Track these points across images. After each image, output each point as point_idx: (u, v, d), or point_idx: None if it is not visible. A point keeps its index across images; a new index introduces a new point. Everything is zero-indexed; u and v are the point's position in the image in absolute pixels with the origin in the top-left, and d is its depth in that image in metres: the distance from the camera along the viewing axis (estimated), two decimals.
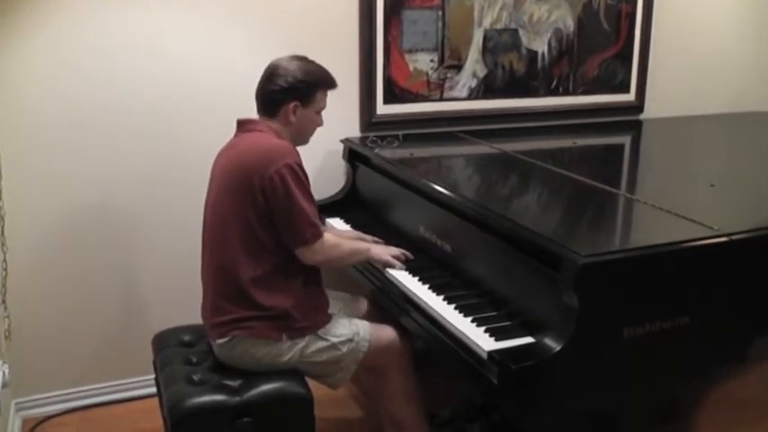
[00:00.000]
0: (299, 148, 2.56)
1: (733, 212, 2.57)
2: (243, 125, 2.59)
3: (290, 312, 2.46)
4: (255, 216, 2.41)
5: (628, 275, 2.07)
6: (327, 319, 2.57)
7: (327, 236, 2.53)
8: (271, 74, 2.54)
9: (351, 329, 2.56)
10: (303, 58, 2.57)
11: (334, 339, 2.52)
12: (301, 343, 2.48)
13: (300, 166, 2.44)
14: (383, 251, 2.70)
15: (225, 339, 2.47)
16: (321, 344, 2.50)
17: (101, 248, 3.22)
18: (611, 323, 2.04)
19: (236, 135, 2.60)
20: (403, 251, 2.71)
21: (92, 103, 3.07)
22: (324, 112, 2.63)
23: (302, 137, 2.63)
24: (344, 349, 2.52)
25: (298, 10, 3.31)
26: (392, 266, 2.66)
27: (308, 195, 2.45)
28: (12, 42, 2.93)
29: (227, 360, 2.50)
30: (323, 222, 3.13)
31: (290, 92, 2.51)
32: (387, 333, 2.62)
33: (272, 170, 2.38)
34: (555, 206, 2.77)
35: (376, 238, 2.85)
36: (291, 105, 2.52)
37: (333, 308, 2.68)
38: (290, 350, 2.47)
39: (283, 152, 2.43)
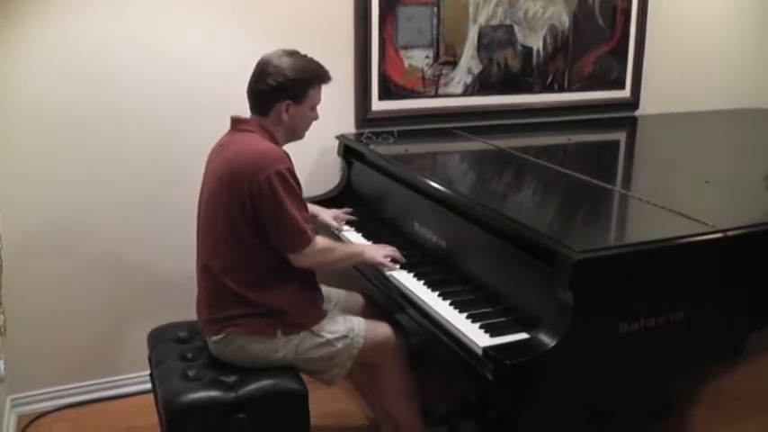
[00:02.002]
0: (293, 144, 2.56)
1: (728, 209, 2.58)
2: (235, 124, 2.55)
3: (284, 309, 2.46)
4: (245, 221, 2.39)
5: (622, 271, 2.07)
6: (322, 315, 2.56)
7: (319, 240, 2.48)
8: (261, 72, 2.48)
9: (346, 326, 2.56)
10: (294, 53, 2.51)
11: (329, 336, 2.51)
12: (296, 339, 2.48)
13: (291, 171, 2.40)
14: (377, 253, 2.67)
15: (219, 336, 2.47)
16: (316, 340, 2.50)
17: (95, 245, 3.21)
18: (606, 319, 2.04)
19: (228, 133, 2.56)
20: (395, 250, 2.69)
21: (85, 102, 3.07)
22: (319, 109, 2.61)
23: (296, 134, 2.59)
24: (339, 345, 2.52)
25: (293, 6, 3.30)
26: (387, 268, 2.64)
27: (299, 201, 2.41)
28: (5, 41, 2.92)
29: (222, 356, 2.49)
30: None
31: (282, 91, 2.45)
32: (382, 330, 2.62)
33: (261, 177, 2.34)
34: (550, 202, 2.77)
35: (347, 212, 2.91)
36: (284, 104, 2.47)
37: (328, 304, 2.68)
38: (285, 346, 2.47)
39: (273, 158, 2.38)
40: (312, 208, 2.95)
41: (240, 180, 2.36)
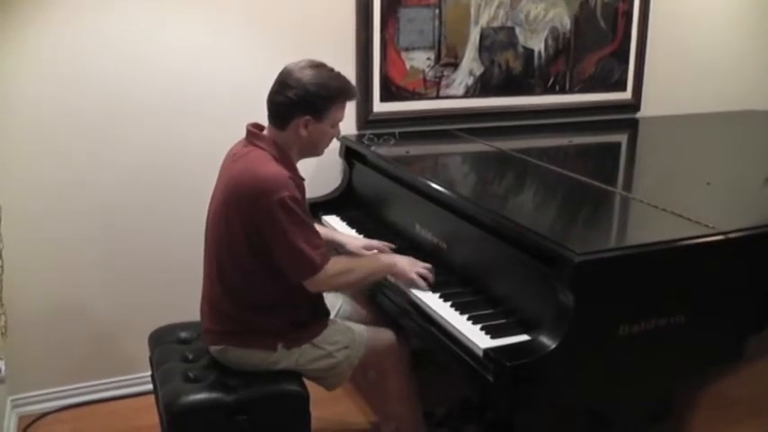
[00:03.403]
0: None
1: (729, 211, 2.58)
2: (249, 135, 2.43)
3: (284, 330, 2.44)
4: (247, 245, 2.33)
5: (623, 273, 2.07)
6: (324, 325, 2.53)
7: (334, 262, 2.38)
8: (281, 83, 2.35)
9: (347, 336, 2.54)
10: (318, 66, 2.38)
11: (331, 347, 2.49)
12: (297, 352, 2.46)
13: (293, 197, 2.28)
14: (410, 267, 2.50)
15: (218, 347, 2.46)
16: (317, 352, 2.48)
17: (97, 246, 3.22)
18: (607, 321, 2.04)
19: (242, 142, 2.46)
20: (428, 267, 2.52)
21: (85, 107, 3.07)
22: None
23: (315, 149, 2.47)
24: (340, 356, 2.50)
25: (295, 8, 3.30)
26: (417, 286, 2.47)
27: (304, 227, 2.31)
28: (4, 43, 2.92)
29: (222, 362, 2.48)
30: (319, 220, 3.14)
31: (301, 106, 2.33)
32: (384, 336, 2.61)
33: (262, 206, 2.25)
34: (551, 204, 2.78)
35: (387, 244, 2.73)
36: (303, 120, 2.34)
37: (331, 307, 2.66)
38: (286, 359, 2.45)
39: (275, 186, 2.26)
40: (335, 236, 2.85)
41: (241, 204, 2.30)
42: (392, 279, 2.57)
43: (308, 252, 2.30)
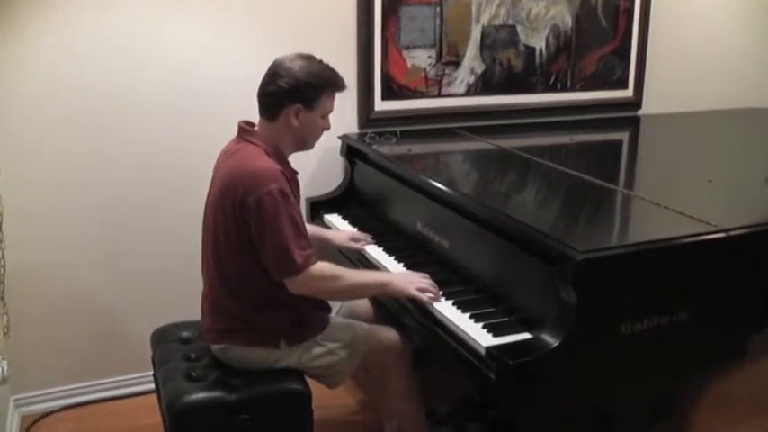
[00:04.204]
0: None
1: (731, 208, 2.57)
2: (241, 132, 2.45)
3: (286, 327, 2.44)
4: (240, 240, 2.33)
5: (625, 271, 2.07)
6: (326, 322, 2.53)
7: (321, 266, 2.35)
8: (272, 74, 2.38)
9: (349, 334, 2.54)
10: (308, 58, 2.42)
11: (332, 345, 2.49)
12: (299, 350, 2.45)
13: (283, 191, 2.27)
14: (408, 286, 2.41)
15: (220, 346, 2.46)
16: (319, 350, 2.48)
17: (98, 245, 3.22)
18: (609, 319, 2.04)
19: (235, 139, 2.48)
20: (430, 281, 2.44)
21: (89, 101, 3.08)
22: None
23: (306, 142, 2.48)
24: (342, 354, 2.50)
25: (296, 7, 3.30)
26: (421, 301, 2.40)
27: (290, 224, 2.28)
28: (5, 44, 2.92)
29: (224, 361, 2.48)
30: (321, 219, 3.14)
31: (292, 94, 2.35)
32: (386, 334, 2.61)
33: (251, 197, 2.25)
34: (553, 202, 2.77)
35: (367, 235, 2.84)
36: (293, 109, 2.37)
37: (333, 304, 2.66)
38: (288, 356, 2.45)
39: (266, 178, 2.27)
40: (322, 233, 2.89)
41: (233, 197, 2.30)
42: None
43: (292, 250, 2.28)
